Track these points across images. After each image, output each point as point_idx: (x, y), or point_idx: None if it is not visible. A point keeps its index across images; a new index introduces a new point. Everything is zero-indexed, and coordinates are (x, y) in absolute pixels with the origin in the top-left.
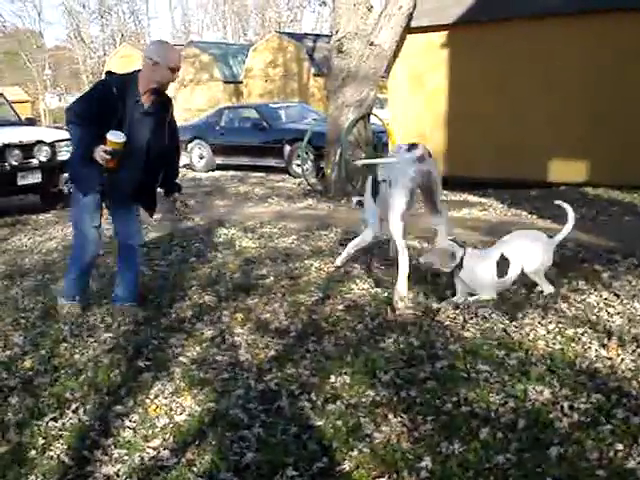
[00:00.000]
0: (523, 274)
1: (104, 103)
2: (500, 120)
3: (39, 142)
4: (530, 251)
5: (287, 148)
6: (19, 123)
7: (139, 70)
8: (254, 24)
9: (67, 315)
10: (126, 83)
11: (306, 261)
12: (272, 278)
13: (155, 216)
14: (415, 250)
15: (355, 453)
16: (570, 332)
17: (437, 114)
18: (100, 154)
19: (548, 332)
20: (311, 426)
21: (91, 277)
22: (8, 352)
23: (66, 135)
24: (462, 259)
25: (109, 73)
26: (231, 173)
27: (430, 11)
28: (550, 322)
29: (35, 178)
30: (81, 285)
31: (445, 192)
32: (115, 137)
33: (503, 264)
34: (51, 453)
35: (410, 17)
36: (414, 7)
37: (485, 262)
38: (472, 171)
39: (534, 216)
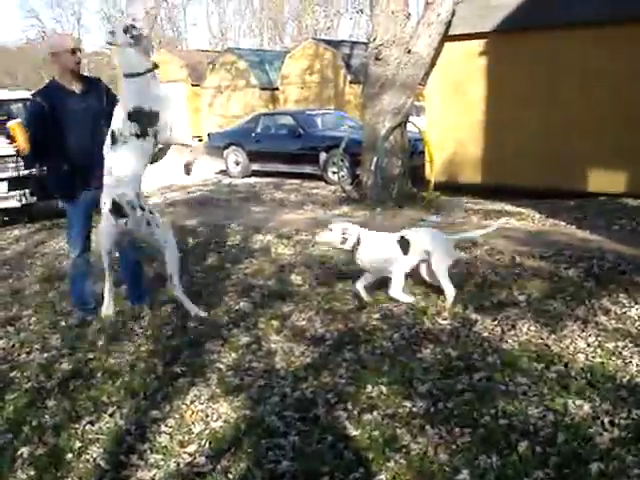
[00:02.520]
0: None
1: (39, 116)
2: (538, 129)
3: None
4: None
5: (323, 155)
6: None
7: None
8: (290, 31)
9: (71, 323)
10: (50, 89)
11: (341, 269)
12: (307, 285)
13: None
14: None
15: (391, 464)
16: (610, 345)
17: (474, 122)
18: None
19: (588, 345)
20: (347, 436)
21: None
22: (46, 354)
23: None
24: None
25: (33, 94)
26: (266, 179)
27: (468, 19)
28: (590, 335)
29: None
30: (83, 294)
31: (482, 201)
32: (9, 122)
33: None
34: (87, 456)
35: (448, 25)
36: (452, 15)
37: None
38: (509, 180)
39: (573, 226)
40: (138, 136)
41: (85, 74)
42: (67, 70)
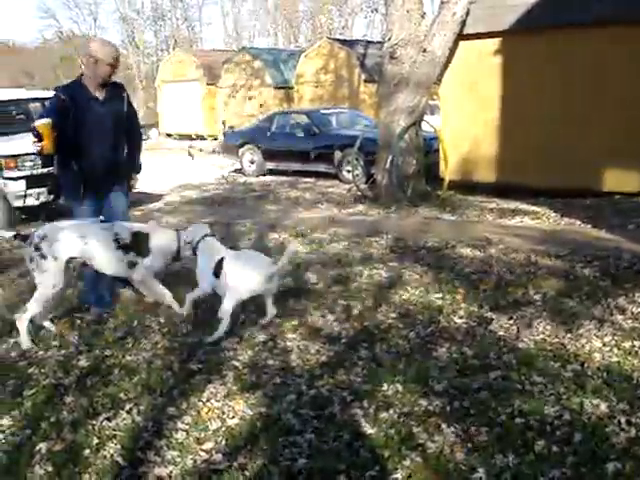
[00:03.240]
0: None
1: (59, 112)
2: (553, 128)
3: None
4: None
5: (337, 154)
6: None
7: (82, 74)
8: (305, 30)
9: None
10: (74, 88)
11: (356, 267)
12: (323, 284)
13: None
14: (467, 258)
15: (407, 462)
16: (627, 345)
17: (488, 121)
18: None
19: (604, 344)
20: (363, 434)
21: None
22: (63, 351)
23: None
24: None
25: (56, 88)
26: (281, 178)
27: (483, 18)
28: (606, 334)
29: None
30: (96, 292)
31: (496, 199)
32: (38, 122)
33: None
34: (105, 453)
35: (463, 24)
36: (467, 14)
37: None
38: (524, 178)
39: (588, 225)
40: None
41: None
42: (98, 78)
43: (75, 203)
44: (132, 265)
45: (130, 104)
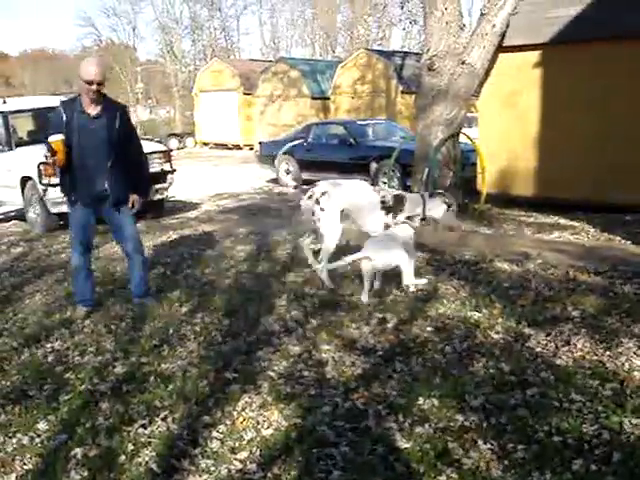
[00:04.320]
0: None
1: (58, 124)
2: (592, 141)
3: None
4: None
5: (373, 165)
6: None
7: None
8: (342, 41)
9: (75, 317)
10: (72, 102)
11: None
12: (359, 295)
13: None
14: (505, 273)
15: (443, 478)
16: None
17: (527, 134)
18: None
19: None
20: (398, 448)
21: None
22: (100, 358)
23: (157, 147)
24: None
25: (60, 103)
26: None
27: (523, 30)
28: None
29: None
30: (82, 290)
31: (535, 214)
32: (52, 138)
33: None
34: (140, 460)
35: (503, 36)
36: (507, 26)
37: None
38: (562, 192)
39: (628, 241)
40: None
41: (108, 96)
42: (85, 95)
43: (70, 206)
44: (386, 227)
45: (127, 121)
